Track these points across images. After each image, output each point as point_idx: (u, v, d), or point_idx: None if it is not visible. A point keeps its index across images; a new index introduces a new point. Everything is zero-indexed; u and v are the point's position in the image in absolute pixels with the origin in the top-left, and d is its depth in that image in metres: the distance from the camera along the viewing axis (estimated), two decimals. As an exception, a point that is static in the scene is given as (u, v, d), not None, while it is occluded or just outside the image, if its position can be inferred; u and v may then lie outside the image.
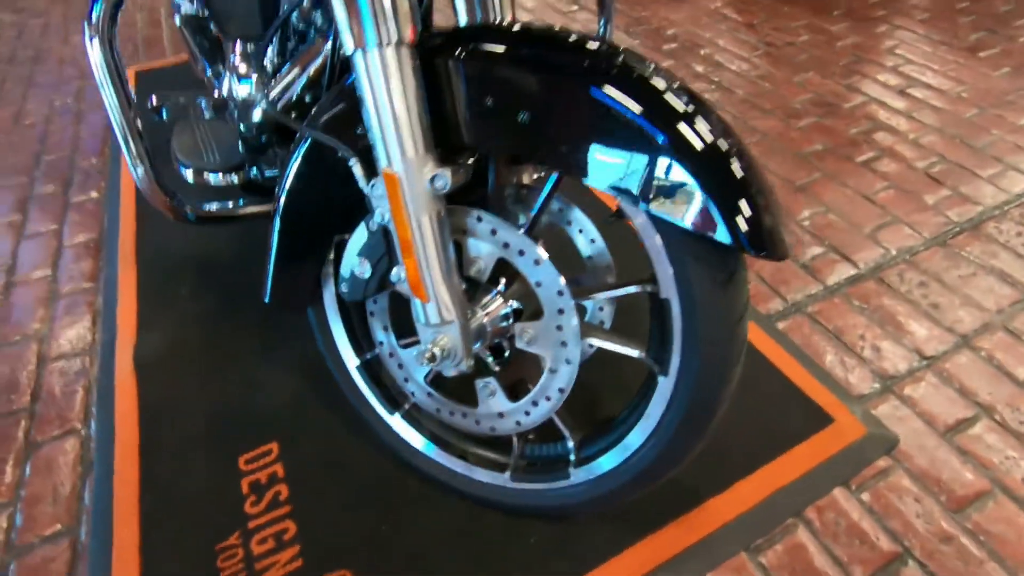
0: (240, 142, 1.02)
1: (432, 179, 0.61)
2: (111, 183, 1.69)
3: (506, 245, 0.67)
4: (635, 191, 0.54)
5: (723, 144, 0.53)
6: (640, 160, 0.53)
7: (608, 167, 0.55)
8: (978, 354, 1.11)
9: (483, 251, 0.69)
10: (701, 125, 0.53)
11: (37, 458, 1.07)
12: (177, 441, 1.06)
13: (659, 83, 0.55)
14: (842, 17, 2.20)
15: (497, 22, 0.69)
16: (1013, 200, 1.42)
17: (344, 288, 0.77)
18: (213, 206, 0.94)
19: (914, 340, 1.13)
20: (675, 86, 0.55)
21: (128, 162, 0.76)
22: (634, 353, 0.70)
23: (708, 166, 0.52)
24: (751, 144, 1.65)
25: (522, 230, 0.67)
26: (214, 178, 1.06)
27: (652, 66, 0.57)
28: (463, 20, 0.71)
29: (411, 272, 0.65)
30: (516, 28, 0.61)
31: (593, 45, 0.57)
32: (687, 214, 0.52)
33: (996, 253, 1.29)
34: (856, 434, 0.99)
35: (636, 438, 0.72)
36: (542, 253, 0.66)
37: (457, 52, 0.60)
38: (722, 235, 0.52)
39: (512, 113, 0.58)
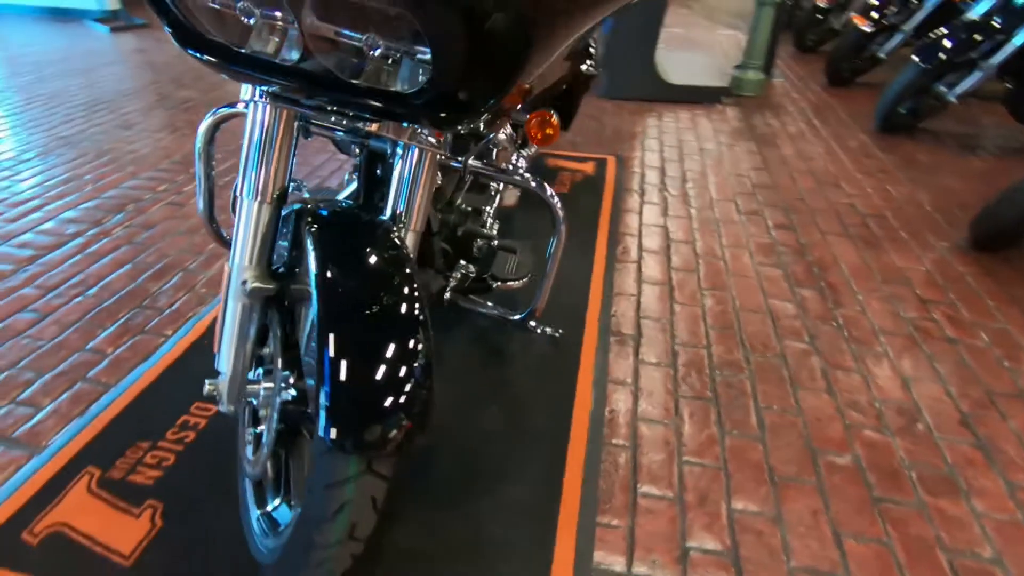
0: None
1: (244, 282, 0.93)
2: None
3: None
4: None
5: (371, 385, 0.75)
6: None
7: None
8: None
9: (271, 343, 0.98)
10: (381, 371, 0.75)
11: (136, 343, 1.68)
12: (189, 374, 1.55)
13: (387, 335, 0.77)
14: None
15: (375, 216, 0.97)
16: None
17: None
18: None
19: None
20: (404, 344, 0.77)
21: (198, 202, 1.26)
22: None
23: (341, 397, 0.74)
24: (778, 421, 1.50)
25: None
26: None
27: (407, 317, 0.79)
28: (388, 209, 1.01)
29: (217, 328, 0.98)
30: (361, 235, 0.89)
31: (381, 273, 0.83)
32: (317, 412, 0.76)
33: None
34: None
35: (276, 542, 0.93)
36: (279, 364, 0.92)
37: (305, 216, 0.91)
38: (321, 430, 0.75)
39: (296, 272, 0.88)
